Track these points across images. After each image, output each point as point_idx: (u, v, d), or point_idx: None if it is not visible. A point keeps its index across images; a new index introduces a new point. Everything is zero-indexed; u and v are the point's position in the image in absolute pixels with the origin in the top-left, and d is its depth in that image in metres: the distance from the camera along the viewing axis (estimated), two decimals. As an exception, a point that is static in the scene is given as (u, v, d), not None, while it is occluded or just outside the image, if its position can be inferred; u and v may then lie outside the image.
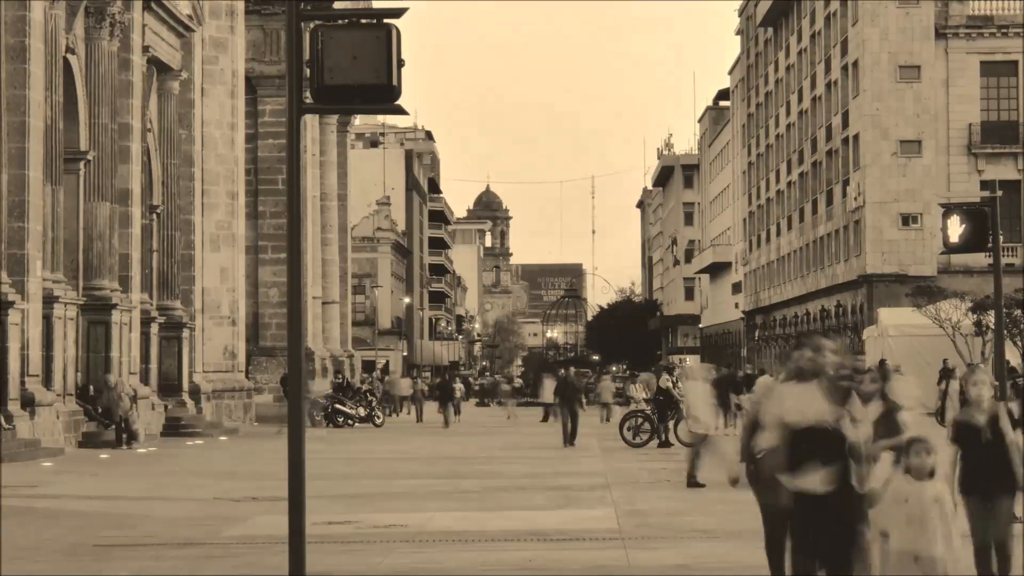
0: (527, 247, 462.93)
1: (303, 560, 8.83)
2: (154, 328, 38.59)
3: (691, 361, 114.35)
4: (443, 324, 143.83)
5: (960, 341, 47.22)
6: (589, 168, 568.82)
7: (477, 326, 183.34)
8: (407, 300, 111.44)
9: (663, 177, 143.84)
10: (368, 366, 75.36)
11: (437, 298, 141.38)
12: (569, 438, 33.42)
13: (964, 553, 9.37)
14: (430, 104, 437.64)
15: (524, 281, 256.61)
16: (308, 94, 9.03)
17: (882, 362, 30.66)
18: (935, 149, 63.21)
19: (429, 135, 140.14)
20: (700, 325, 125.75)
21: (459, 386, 58.46)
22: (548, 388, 47.57)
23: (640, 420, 32.97)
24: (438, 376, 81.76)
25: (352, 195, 66.41)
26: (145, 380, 37.73)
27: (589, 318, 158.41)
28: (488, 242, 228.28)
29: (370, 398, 48.90)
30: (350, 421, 45.57)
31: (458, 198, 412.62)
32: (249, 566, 13.46)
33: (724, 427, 29.68)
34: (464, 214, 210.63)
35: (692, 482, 21.25)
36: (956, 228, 16.90)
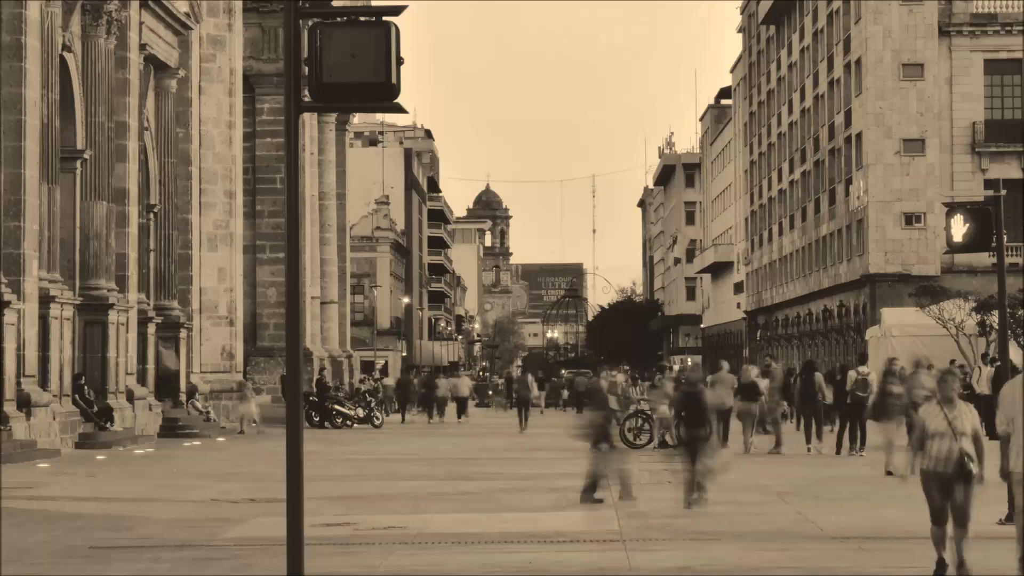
0: (527, 247, 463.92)
1: (301, 562, 8.72)
2: (151, 328, 38.46)
3: (691, 361, 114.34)
4: (443, 324, 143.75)
5: (964, 341, 47.05)
6: (589, 167, 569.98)
7: (477, 326, 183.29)
8: (406, 300, 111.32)
9: (664, 176, 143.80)
10: (367, 367, 75.21)
11: (436, 298, 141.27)
12: None
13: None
14: (430, 103, 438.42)
15: (524, 281, 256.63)
16: (306, 92, 8.92)
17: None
18: (938, 148, 63.04)
19: (428, 134, 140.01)
20: (702, 325, 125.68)
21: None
22: None
23: (640, 421, 32.86)
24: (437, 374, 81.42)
25: (351, 194, 66.23)
26: (142, 381, 37.59)
27: (590, 318, 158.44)
28: (488, 242, 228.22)
29: (369, 399, 48.70)
30: (348, 422, 45.36)
31: (458, 197, 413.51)
32: (247, 568, 13.37)
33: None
34: (464, 213, 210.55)
35: None
36: (959, 227, 16.72)
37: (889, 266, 63.40)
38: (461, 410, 53.48)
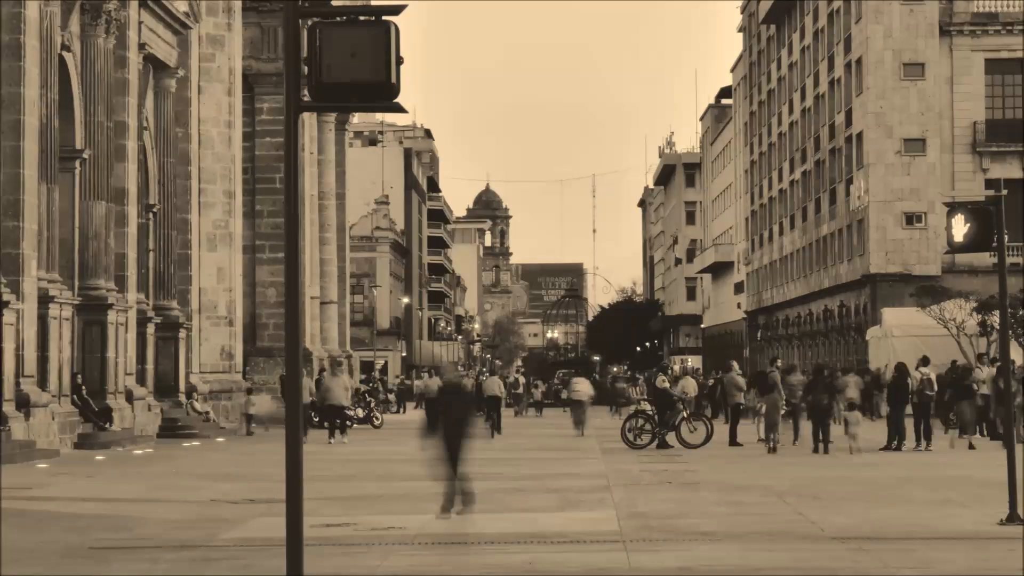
0: (527, 247, 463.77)
1: (301, 563, 8.68)
2: (150, 328, 38.40)
3: (692, 361, 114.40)
4: (442, 324, 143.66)
5: (965, 341, 47.07)
6: (590, 167, 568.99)
7: (477, 326, 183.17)
8: (406, 300, 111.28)
9: (664, 176, 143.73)
10: (367, 367, 75.20)
11: (436, 298, 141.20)
12: None
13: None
14: (429, 102, 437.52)
15: (524, 281, 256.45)
16: (306, 92, 8.89)
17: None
18: (939, 147, 63.01)
19: (428, 133, 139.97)
20: (702, 325, 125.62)
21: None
22: None
23: (641, 422, 32.87)
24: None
25: (350, 194, 66.19)
26: (141, 381, 37.53)
27: (590, 318, 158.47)
28: (488, 241, 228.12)
29: (368, 399, 48.65)
30: (348, 422, 45.24)
31: (457, 197, 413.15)
32: (247, 568, 13.32)
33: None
34: (464, 213, 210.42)
35: None
36: (960, 227, 16.67)
37: (890, 266, 63.37)
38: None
